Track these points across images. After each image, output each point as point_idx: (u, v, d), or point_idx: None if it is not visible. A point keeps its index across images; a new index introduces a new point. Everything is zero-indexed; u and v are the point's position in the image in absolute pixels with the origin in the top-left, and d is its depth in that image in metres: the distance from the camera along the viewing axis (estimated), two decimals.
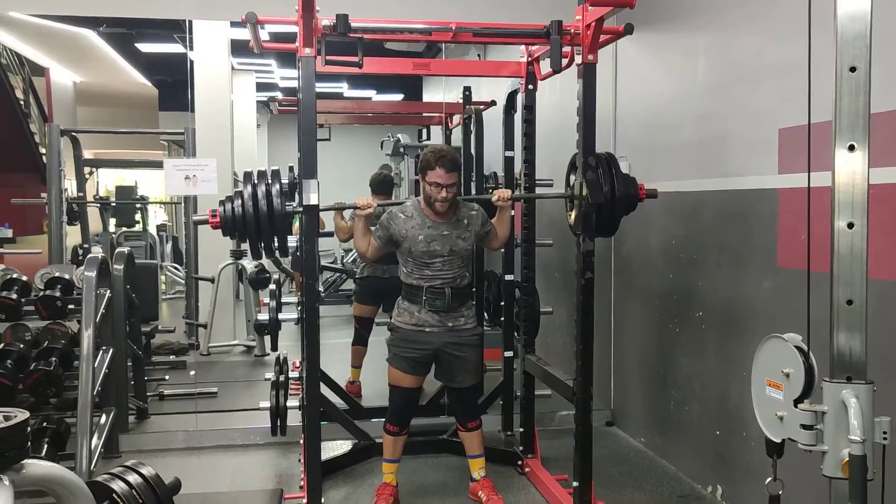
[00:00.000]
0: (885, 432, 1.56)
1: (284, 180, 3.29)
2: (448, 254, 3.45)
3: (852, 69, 1.59)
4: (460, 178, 3.53)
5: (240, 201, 3.11)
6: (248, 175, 3.17)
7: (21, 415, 1.50)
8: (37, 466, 1.58)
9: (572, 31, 3.13)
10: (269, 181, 3.14)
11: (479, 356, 3.70)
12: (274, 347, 4.67)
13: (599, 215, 3.19)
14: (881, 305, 2.49)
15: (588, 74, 3.17)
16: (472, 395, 3.72)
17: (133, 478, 2.02)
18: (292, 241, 5.08)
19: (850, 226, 1.60)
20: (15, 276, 4.19)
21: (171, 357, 6.34)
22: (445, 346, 3.49)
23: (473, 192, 5.21)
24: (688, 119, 3.91)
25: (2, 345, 3.93)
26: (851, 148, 1.60)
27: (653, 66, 4.38)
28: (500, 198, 3.44)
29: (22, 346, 3.94)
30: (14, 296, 4.01)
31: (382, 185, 5.53)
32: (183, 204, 7.33)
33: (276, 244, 3.20)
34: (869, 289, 1.61)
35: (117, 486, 1.96)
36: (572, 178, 3.31)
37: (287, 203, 3.15)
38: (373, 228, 3.53)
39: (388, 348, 3.59)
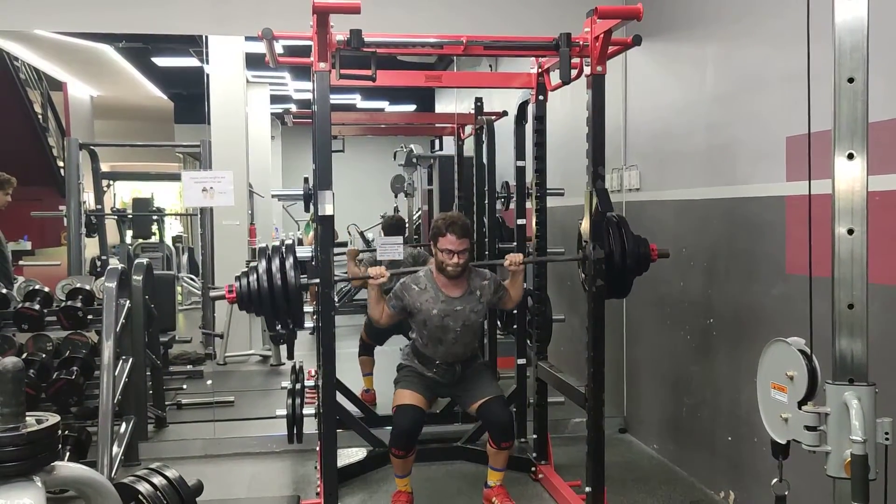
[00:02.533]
0: (886, 433, 1.59)
1: (300, 253, 3.34)
2: (461, 328, 3.54)
3: (850, 80, 1.64)
4: (472, 244, 3.59)
5: (255, 276, 3.19)
6: (262, 251, 3.27)
7: (52, 418, 1.56)
8: (67, 468, 1.64)
9: (581, 42, 3.18)
10: (283, 255, 3.21)
11: (492, 374, 3.78)
12: (290, 356, 4.73)
13: (611, 276, 3.29)
14: (882, 309, 2.53)
15: (597, 85, 3.22)
16: (507, 412, 3.65)
17: (158, 480, 2.09)
18: (308, 249, 5.15)
19: (851, 232, 1.65)
20: (37, 287, 4.28)
21: (189, 367, 6.41)
22: (455, 385, 3.65)
23: (486, 202, 5.26)
24: (697, 128, 3.96)
25: (24, 354, 4.01)
26: (850, 156, 1.65)
27: (662, 76, 4.43)
28: (513, 262, 3.49)
29: (44, 355, 4.02)
30: (36, 307, 4.10)
31: (394, 227, 5.60)
32: (199, 215, 7.41)
33: (291, 317, 3.27)
34: (870, 293, 1.65)
35: (143, 487, 2.03)
36: (583, 239, 3.35)
37: (301, 276, 3.22)
38: (387, 298, 3.58)
39: (395, 383, 3.69)
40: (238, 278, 3.25)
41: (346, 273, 5.12)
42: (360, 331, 5.55)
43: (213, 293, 3.38)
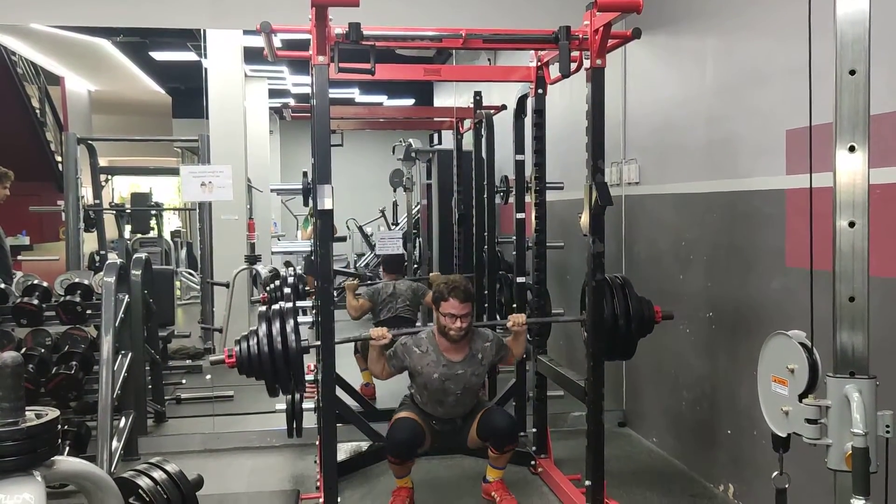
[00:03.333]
0: (887, 426, 1.59)
1: (301, 319, 3.32)
2: (461, 391, 3.54)
3: (852, 72, 1.63)
4: (474, 308, 3.58)
5: (255, 340, 3.17)
6: (262, 314, 3.24)
7: (52, 413, 1.55)
8: (66, 463, 1.63)
9: (581, 36, 3.17)
10: (284, 317, 3.19)
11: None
12: None
13: (615, 338, 3.32)
14: (883, 302, 2.53)
15: (597, 78, 3.21)
16: (505, 416, 3.66)
17: (158, 474, 2.08)
18: (306, 244, 5.13)
19: (852, 224, 1.64)
20: (35, 282, 4.27)
21: (188, 361, 6.40)
22: (455, 430, 3.65)
23: (485, 196, 5.26)
24: (697, 121, 3.95)
25: (23, 349, 4.00)
26: (852, 149, 1.64)
27: (661, 69, 4.42)
28: (516, 323, 3.51)
29: (43, 350, 4.01)
30: (35, 301, 4.10)
31: (393, 263, 5.61)
32: (197, 210, 7.40)
33: (293, 380, 3.26)
34: (871, 286, 1.65)
35: (143, 482, 2.03)
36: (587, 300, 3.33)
37: (302, 339, 3.21)
38: (387, 356, 3.56)
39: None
40: (238, 342, 3.22)
41: (343, 267, 5.12)
42: (359, 325, 5.55)
43: (212, 358, 3.37)
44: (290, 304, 3.31)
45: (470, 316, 3.46)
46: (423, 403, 3.60)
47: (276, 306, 3.27)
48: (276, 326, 3.15)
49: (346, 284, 5.36)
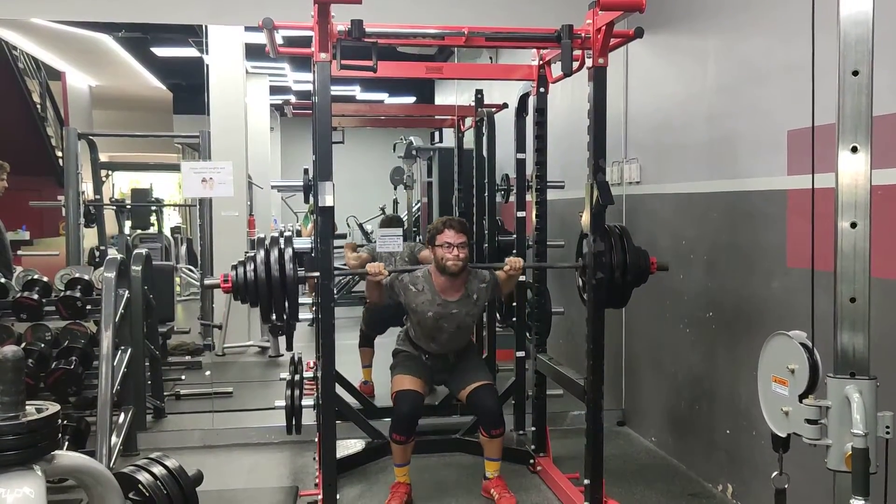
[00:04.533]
0: (887, 427, 1.60)
1: (297, 245, 3.29)
2: (455, 329, 3.59)
3: (855, 73, 1.63)
4: (471, 242, 3.59)
5: (252, 266, 3.15)
6: (260, 241, 3.21)
7: (52, 407, 1.56)
8: (66, 457, 1.64)
9: (583, 34, 3.17)
10: (282, 246, 3.17)
11: (481, 359, 3.85)
12: (289, 347, 4.73)
13: (611, 287, 3.31)
14: (884, 303, 2.53)
15: (599, 77, 3.21)
16: (495, 400, 3.70)
17: (158, 469, 2.08)
18: (307, 241, 5.14)
19: (854, 225, 1.64)
20: (36, 277, 4.27)
21: (187, 357, 6.41)
22: (447, 369, 3.71)
23: (486, 194, 5.25)
24: (698, 121, 3.95)
25: (23, 344, 4.00)
26: (854, 150, 1.64)
27: (663, 68, 4.42)
28: (512, 267, 3.51)
29: (43, 345, 4.00)
30: (35, 296, 4.09)
31: (392, 222, 5.65)
32: (198, 206, 7.39)
33: (288, 309, 3.23)
34: (872, 287, 1.65)
35: (143, 476, 2.03)
36: (584, 247, 3.36)
37: (298, 268, 3.19)
38: (384, 286, 3.57)
39: (391, 369, 3.74)
40: (234, 267, 3.20)
41: (344, 265, 5.12)
42: (359, 323, 5.57)
43: (207, 281, 3.34)
44: (288, 233, 3.28)
45: (466, 247, 3.47)
46: (417, 338, 3.68)
47: (273, 234, 3.25)
48: (275, 254, 3.13)
49: (346, 244, 5.53)
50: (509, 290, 3.79)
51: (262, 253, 3.16)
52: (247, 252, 6.50)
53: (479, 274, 3.64)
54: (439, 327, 3.56)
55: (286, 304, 3.21)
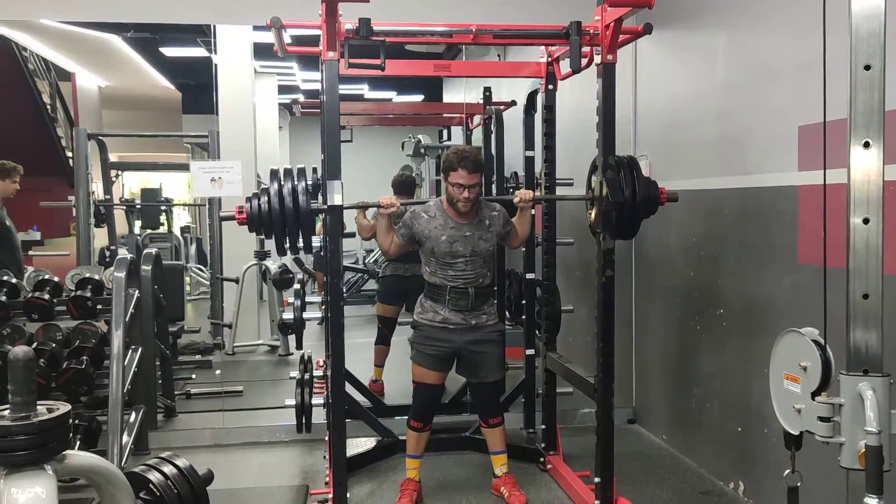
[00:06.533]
0: None
1: (310, 179, 3.32)
2: (470, 254, 3.51)
3: (867, 67, 1.62)
4: (482, 178, 3.56)
5: (266, 198, 3.15)
6: (274, 172, 3.20)
7: (63, 407, 1.56)
8: (78, 457, 1.64)
9: (591, 31, 3.16)
10: (296, 179, 3.17)
11: (501, 352, 3.77)
12: (299, 346, 4.74)
13: (620, 217, 3.21)
14: None
15: (607, 74, 3.20)
16: (495, 391, 3.76)
17: (168, 469, 2.09)
18: (315, 240, 5.15)
19: (866, 221, 1.63)
20: (46, 277, 4.29)
21: (198, 356, 6.43)
22: (468, 343, 3.55)
23: (494, 192, 5.25)
24: (707, 117, 3.93)
25: (35, 344, 4.02)
26: (867, 145, 1.63)
27: (672, 65, 4.40)
28: (522, 199, 3.49)
29: (54, 345, 4.03)
30: (46, 296, 4.11)
31: (404, 185, 5.59)
32: (207, 206, 7.41)
33: (301, 241, 3.24)
34: (885, 283, 1.64)
35: (153, 476, 2.03)
36: (593, 179, 3.34)
37: (312, 201, 3.19)
38: (396, 227, 3.58)
39: (411, 346, 3.65)
40: (249, 199, 3.20)
41: (353, 263, 5.12)
42: (369, 321, 5.55)
43: (223, 213, 3.34)
44: (301, 166, 3.27)
45: (478, 186, 3.46)
46: (433, 273, 3.57)
47: (287, 166, 3.25)
48: (288, 186, 3.13)
49: (359, 203, 5.42)
50: (524, 232, 3.67)
51: (276, 185, 3.15)
52: (256, 252, 6.61)
53: (490, 205, 3.65)
54: (454, 252, 3.49)
55: (300, 235, 3.20)
